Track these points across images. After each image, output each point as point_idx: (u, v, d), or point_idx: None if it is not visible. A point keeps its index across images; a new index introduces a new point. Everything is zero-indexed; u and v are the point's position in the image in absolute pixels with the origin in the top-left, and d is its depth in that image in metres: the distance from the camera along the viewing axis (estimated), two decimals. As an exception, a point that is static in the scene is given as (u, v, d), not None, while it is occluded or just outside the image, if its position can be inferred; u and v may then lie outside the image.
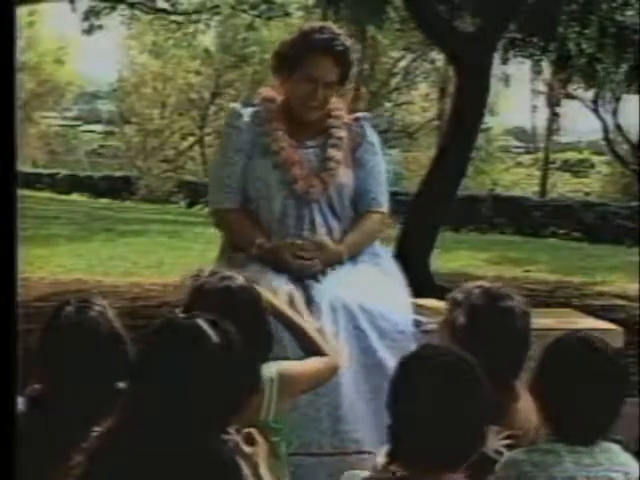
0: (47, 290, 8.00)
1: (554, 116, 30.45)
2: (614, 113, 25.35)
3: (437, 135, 27.20)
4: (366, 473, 2.42)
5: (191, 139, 35.41)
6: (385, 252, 3.88)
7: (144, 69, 34.97)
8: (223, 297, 2.71)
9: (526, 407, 2.72)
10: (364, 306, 3.46)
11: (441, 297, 3.26)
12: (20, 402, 2.49)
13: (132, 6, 16.67)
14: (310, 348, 2.94)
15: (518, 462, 2.50)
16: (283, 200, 3.67)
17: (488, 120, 24.72)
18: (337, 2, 10.45)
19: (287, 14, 15.61)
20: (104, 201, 27.07)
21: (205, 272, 2.90)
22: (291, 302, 3.09)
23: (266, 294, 2.92)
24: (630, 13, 10.37)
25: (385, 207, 3.84)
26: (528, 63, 14.15)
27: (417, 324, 3.57)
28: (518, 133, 39.84)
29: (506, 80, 21.42)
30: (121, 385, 2.46)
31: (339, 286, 3.50)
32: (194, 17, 19.11)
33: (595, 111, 25.80)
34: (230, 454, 2.30)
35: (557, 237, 19.81)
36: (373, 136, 3.88)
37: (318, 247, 3.59)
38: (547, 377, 2.55)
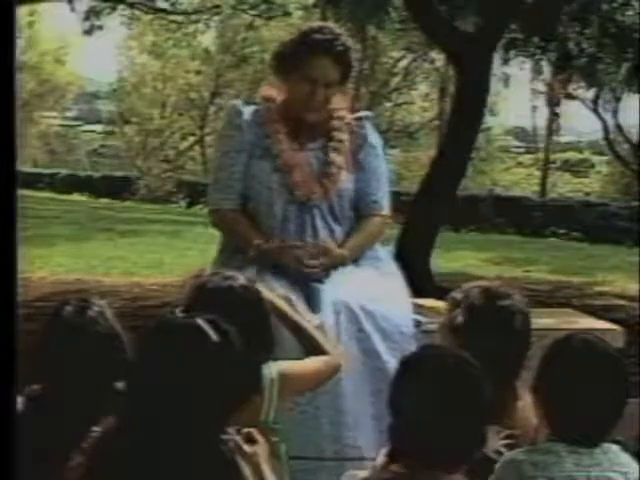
0: (47, 290, 7.99)
1: (554, 116, 30.48)
2: (614, 113, 25.37)
3: (437, 135, 27.22)
4: (366, 473, 2.42)
5: (191, 139, 35.45)
6: (385, 252, 3.86)
7: (144, 69, 35.01)
8: (225, 297, 2.71)
9: (526, 407, 2.72)
10: (366, 308, 3.45)
11: (441, 297, 3.26)
12: (20, 402, 2.49)
13: (132, 6, 16.67)
14: (311, 347, 2.94)
15: (518, 462, 2.50)
16: (284, 205, 3.65)
17: (488, 120, 24.75)
18: (337, 2, 10.45)
19: (287, 14, 15.60)
20: (104, 201, 27.07)
21: (207, 272, 2.90)
22: (289, 305, 3.09)
23: (267, 294, 2.92)
24: (630, 13, 10.37)
25: (386, 210, 3.82)
26: (528, 63, 14.17)
27: (417, 324, 3.56)
28: (518, 133, 39.87)
29: (506, 80, 21.44)
30: (120, 385, 2.45)
31: (341, 288, 3.49)
32: (194, 17, 19.13)
33: (595, 111, 25.81)
34: (230, 454, 2.30)
35: (557, 237, 19.81)
36: (375, 137, 3.84)
37: (322, 251, 3.57)
38: (548, 377, 2.55)
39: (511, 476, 2.49)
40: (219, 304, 2.57)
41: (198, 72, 33.91)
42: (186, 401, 2.18)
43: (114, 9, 15.96)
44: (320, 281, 3.53)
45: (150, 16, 20.18)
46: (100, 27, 15.81)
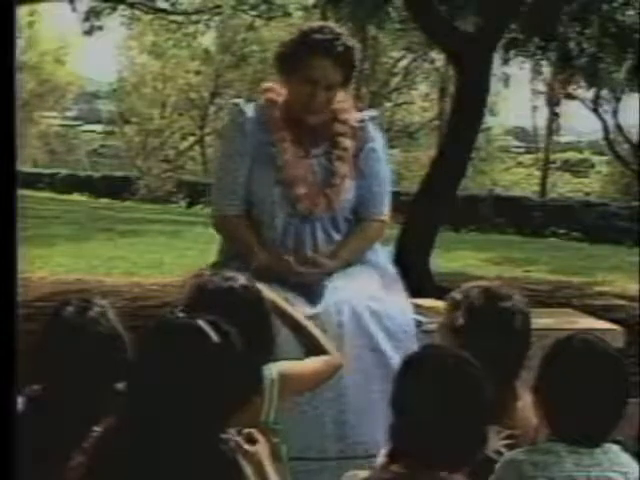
0: (47, 290, 7.99)
1: (554, 116, 30.48)
2: (614, 113, 25.37)
3: (437, 135, 27.22)
4: (366, 473, 2.42)
5: (191, 139, 35.46)
6: (385, 253, 3.84)
7: (144, 69, 35.02)
8: (225, 297, 2.71)
9: (526, 407, 2.72)
10: (370, 307, 3.43)
11: (441, 297, 3.26)
12: (20, 402, 2.49)
13: (132, 6, 16.68)
14: (312, 346, 2.93)
15: (518, 462, 2.50)
16: (286, 217, 3.60)
17: (488, 120, 24.75)
18: (337, 2, 10.45)
19: (287, 14, 15.60)
20: (104, 201, 27.06)
21: (207, 272, 2.90)
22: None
23: (268, 293, 2.92)
24: (630, 13, 10.37)
25: (386, 215, 3.77)
26: (528, 63, 14.17)
27: (417, 324, 3.56)
28: (518, 133, 39.87)
29: (506, 80, 21.44)
30: (121, 386, 2.45)
31: (343, 287, 3.47)
32: (194, 17, 19.15)
33: (595, 111, 25.82)
34: (232, 454, 2.30)
35: (557, 237, 19.81)
36: (378, 140, 3.77)
37: (312, 265, 3.53)
38: (548, 377, 2.55)
39: (511, 476, 2.49)
40: (219, 305, 2.56)
41: (198, 72, 33.92)
42: (187, 402, 2.18)
43: (114, 9, 15.98)
44: (322, 282, 3.52)
45: (150, 16, 20.21)
46: (100, 27, 15.83)
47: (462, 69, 8.78)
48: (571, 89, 23.42)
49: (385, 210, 3.76)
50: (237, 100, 3.84)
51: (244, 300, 2.74)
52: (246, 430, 2.50)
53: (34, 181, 29.51)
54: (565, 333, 2.70)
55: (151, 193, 29.50)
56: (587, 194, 31.60)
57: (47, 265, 10.06)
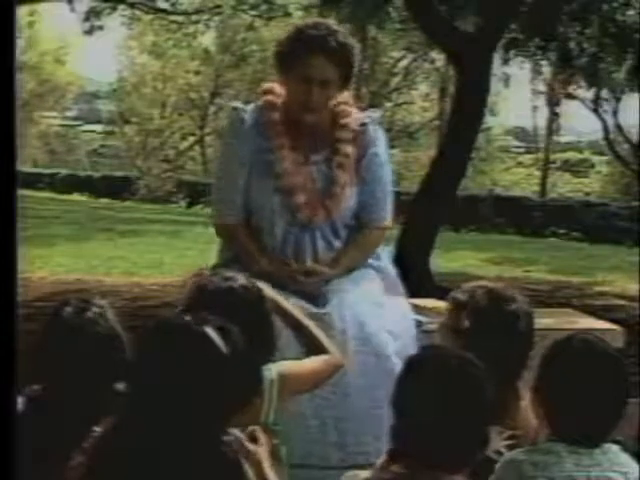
0: (47, 290, 7.99)
1: (554, 116, 30.48)
2: (614, 113, 25.37)
3: (437, 135, 27.22)
4: (367, 473, 2.42)
5: (191, 139, 35.45)
6: (385, 254, 3.79)
7: (144, 69, 35.02)
8: (225, 298, 2.70)
9: (528, 407, 2.72)
10: (373, 312, 3.41)
11: (441, 297, 3.26)
12: (20, 402, 2.49)
13: (132, 6, 16.68)
14: (313, 346, 2.93)
15: (518, 462, 2.50)
16: (285, 226, 3.56)
17: (488, 120, 24.73)
18: (337, 2, 10.45)
19: (287, 14, 15.59)
20: (104, 201, 27.05)
21: (207, 272, 2.89)
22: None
23: (269, 292, 2.91)
24: (630, 13, 10.37)
25: (387, 221, 3.72)
26: (528, 63, 14.16)
27: (417, 324, 3.55)
28: (518, 133, 39.86)
29: (506, 80, 21.43)
30: (121, 386, 2.45)
31: (346, 293, 3.45)
32: (194, 17, 19.15)
33: (595, 111, 25.81)
34: (232, 455, 2.29)
35: (557, 237, 19.80)
36: (380, 143, 3.69)
37: (312, 274, 3.50)
38: (549, 377, 2.55)
39: (511, 476, 2.49)
40: (219, 305, 2.56)
41: (198, 72, 33.91)
42: (187, 402, 2.18)
43: (114, 9, 15.97)
44: (322, 287, 3.49)
45: (150, 16, 20.20)
46: (100, 27, 15.82)
47: (462, 69, 8.78)
48: (571, 89, 23.42)
49: (387, 217, 3.71)
50: (235, 104, 3.76)
51: (244, 300, 2.73)
52: (249, 428, 2.50)
53: (34, 181, 29.50)
54: (565, 333, 2.70)
55: (151, 193, 29.50)
56: (587, 194, 31.59)
57: (47, 265, 10.07)
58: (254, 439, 2.50)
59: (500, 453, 2.61)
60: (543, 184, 30.68)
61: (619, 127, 26.24)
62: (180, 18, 19.61)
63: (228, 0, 16.71)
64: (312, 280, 3.49)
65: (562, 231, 20.25)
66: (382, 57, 30.47)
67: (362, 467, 3.05)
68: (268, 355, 2.75)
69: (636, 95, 13.88)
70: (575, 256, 14.35)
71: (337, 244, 3.63)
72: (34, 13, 31.85)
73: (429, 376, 2.33)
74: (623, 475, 2.51)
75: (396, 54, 30.46)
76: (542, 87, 28.80)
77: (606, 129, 26.50)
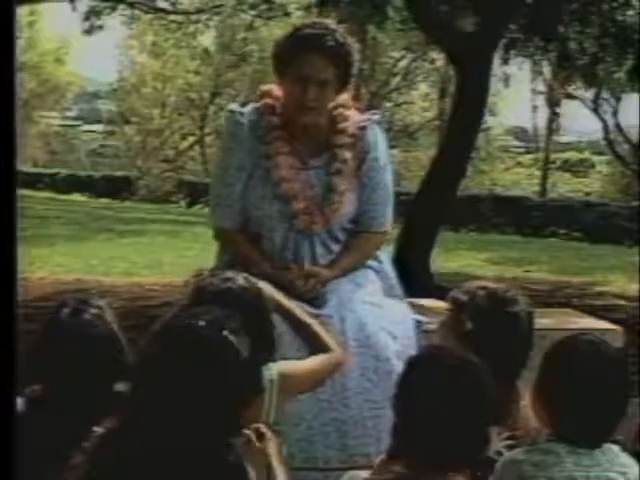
0: (47, 290, 7.98)
1: (554, 116, 30.49)
2: (614, 113, 25.39)
3: (437, 135, 27.21)
4: (367, 473, 2.42)
5: (191, 139, 35.44)
6: (385, 255, 3.77)
7: (144, 69, 34.99)
8: (225, 298, 2.70)
9: (528, 407, 2.72)
10: (374, 314, 3.41)
11: (441, 297, 3.26)
12: (20, 402, 2.49)
13: (132, 6, 16.68)
14: (316, 343, 2.92)
15: (518, 462, 2.50)
16: (284, 233, 3.54)
17: (488, 120, 24.75)
18: (337, 2, 10.44)
19: (287, 14, 15.59)
20: (104, 201, 27.04)
21: (206, 272, 2.89)
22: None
23: (270, 290, 2.91)
24: (630, 13, 10.36)
25: (386, 226, 3.69)
26: (528, 63, 14.17)
27: (417, 324, 3.55)
28: (518, 133, 39.85)
29: (506, 80, 21.46)
30: (120, 386, 2.45)
31: (346, 294, 3.45)
32: (194, 17, 19.15)
33: (595, 111, 25.84)
34: (234, 456, 2.29)
35: (557, 237, 19.80)
36: (379, 147, 3.64)
37: (310, 277, 3.48)
38: (549, 378, 2.55)
39: (511, 476, 2.49)
40: (219, 305, 2.56)
41: (197, 72, 33.90)
42: (188, 403, 2.18)
43: (114, 9, 15.96)
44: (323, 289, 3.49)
45: (150, 16, 20.20)
46: (100, 27, 15.81)
47: (462, 69, 8.78)
48: (571, 89, 23.43)
49: (387, 221, 3.69)
50: (232, 106, 3.71)
51: (244, 301, 2.73)
52: (255, 425, 2.50)
53: (34, 181, 29.47)
54: (565, 333, 2.70)
55: (151, 193, 29.47)
56: (587, 194, 31.57)
57: (47, 265, 10.06)
58: (260, 435, 2.50)
59: (500, 453, 2.61)
60: (543, 184, 30.68)
61: (619, 127, 26.26)
62: (180, 18, 19.62)
63: (228, 0, 16.72)
64: (311, 284, 3.47)
65: (562, 231, 20.25)
66: (382, 57, 30.47)
67: (363, 468, 3.07)
68: (269, 355, 2.75)
69: (636, 95, 13.88)
70: (575, 256, 14.35)
71: (336, 249, 3.61)
72: (34, 13, 31.87)
73: (429, 376, 2.33)
74: (623, 475, 2.51)
75: (396, 54, 30.47)
76: (542, 87, 28.85)
77: (606, 129, 26.53)
